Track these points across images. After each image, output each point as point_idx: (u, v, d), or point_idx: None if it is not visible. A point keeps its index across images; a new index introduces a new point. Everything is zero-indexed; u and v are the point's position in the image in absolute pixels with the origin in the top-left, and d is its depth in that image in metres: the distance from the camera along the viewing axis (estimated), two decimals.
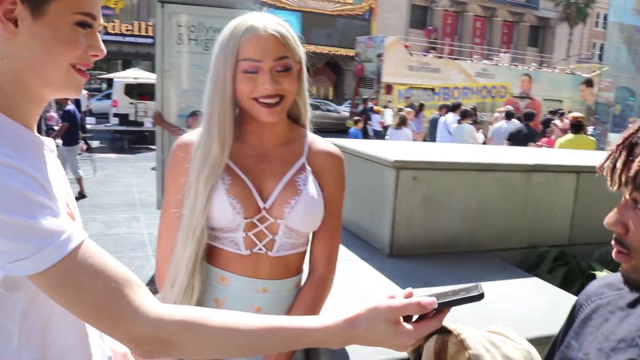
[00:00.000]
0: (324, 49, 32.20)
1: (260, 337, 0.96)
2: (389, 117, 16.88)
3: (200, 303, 1.50)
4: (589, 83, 25.85)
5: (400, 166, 3.21)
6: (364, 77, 22.90)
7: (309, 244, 1.61)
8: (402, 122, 11.18)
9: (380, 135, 16.06)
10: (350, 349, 1.82)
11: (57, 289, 0.86)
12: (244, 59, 1.37)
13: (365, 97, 18.91)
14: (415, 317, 1.00)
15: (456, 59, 25.77)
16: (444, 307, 0.98)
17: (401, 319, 0.97)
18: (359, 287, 2.75)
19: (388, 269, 3.01)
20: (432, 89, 22.09)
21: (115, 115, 16.82)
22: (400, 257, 3.24)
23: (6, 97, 0.94)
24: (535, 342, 1.14)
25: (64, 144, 8.96)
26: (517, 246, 3.57)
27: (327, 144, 1.61)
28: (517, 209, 3.58)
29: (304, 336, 0.97)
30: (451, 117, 11.34)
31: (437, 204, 3.34)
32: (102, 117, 19.25)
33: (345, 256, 3.25)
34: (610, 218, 0.91)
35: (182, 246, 1.44)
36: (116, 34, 28.64)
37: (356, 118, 14.58)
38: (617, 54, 43.98)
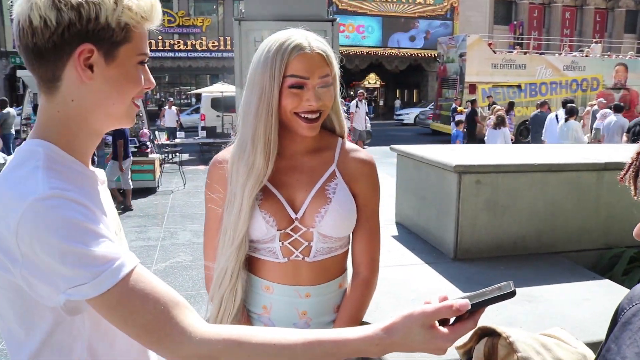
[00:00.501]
0: (407, 52, 31.98)
1: (302, 350, 1.01)
2: None
3: (248, 307, 1.63)
4: None
5: (462, 170, 3.22)
6: (446, 77, 22.51)
7: (350, 246, 1.67)
8: (500, 122, 10.79)
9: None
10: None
11: (112, 311, 0.95)
12: (292, 75, 1.47)
13: (474, 98, 18.39)
14: (452, 320, 1.01)
15: (542, 53, 24.72)
16: (478, 308, 0.99)
17: (436, 323, 0.99)
18: (421, 291, 2.79)
19: (451, 273, 3.03)
20: (518, 86, 21.38)
21: (203, 128, 17.38)
22: (465, 260, 3.25)
23: (70, 135, 1.07)
24: (597, 346, 1.14)
25: (112, 158, 9.24)
26: (590, 247, 3.47)
27: (358, 151, 1.67)
28: (589, 209, 3.48)
29: (343, 347, 1.01)
30: (562, 113, 10.99)
31: (502, 206, 3.32)
32: (192, 130, 20.13)
33: (410, 260, 3.30)
34: (638, 229, 0.88)
35: (226, 252, 1.55)
36: (203, 50, 29.76)
37: (458, 119, 14.39)
38: None
